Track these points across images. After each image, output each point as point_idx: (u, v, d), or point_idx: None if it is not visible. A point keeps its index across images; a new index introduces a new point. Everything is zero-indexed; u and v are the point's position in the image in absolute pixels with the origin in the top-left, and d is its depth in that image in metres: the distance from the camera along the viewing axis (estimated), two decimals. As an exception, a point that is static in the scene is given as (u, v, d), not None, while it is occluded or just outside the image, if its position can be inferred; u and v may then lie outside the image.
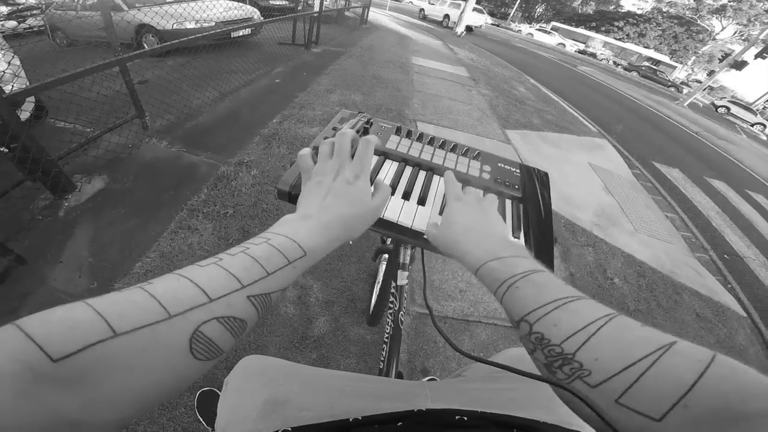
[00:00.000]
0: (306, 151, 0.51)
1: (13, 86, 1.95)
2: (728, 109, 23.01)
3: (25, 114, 2.39)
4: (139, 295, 0.25)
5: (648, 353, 0.26)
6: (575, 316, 0.32)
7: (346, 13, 10.26)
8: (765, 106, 35.04)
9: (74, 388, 0.20)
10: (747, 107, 23.35)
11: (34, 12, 5.50)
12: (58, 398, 0.19)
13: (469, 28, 17.52)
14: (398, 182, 0.72)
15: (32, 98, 2.50)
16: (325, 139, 0.72)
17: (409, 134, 0.84)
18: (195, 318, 0.26)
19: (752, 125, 21.86)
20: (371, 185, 0.50)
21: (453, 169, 0.76)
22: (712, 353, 0.24)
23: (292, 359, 1.59)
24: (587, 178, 4.14)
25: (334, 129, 0.77)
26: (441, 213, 0.68)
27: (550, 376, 0.32)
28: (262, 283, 0.32)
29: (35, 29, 5.40)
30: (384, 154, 0.78)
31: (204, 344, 0.26)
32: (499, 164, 0.81)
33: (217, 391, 1.37)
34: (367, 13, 11.15)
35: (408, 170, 0.76)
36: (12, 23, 5.13)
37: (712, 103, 24.46)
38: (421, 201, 0.69)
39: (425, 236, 0.58)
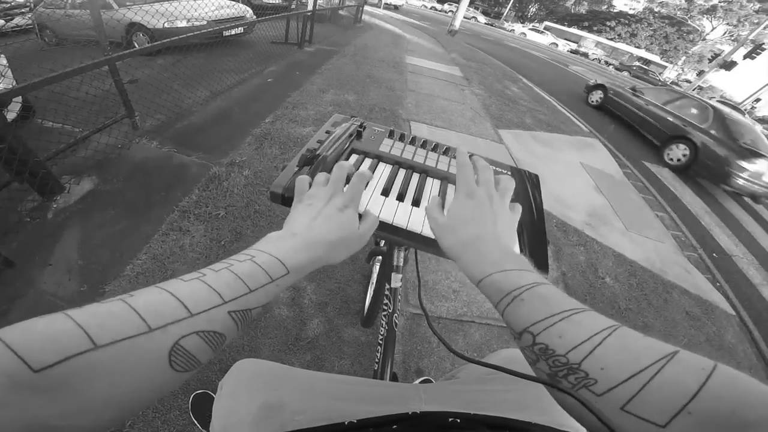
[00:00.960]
0: (305, 177, 0.54)
1: (-1, 86, 1.92)
2: (717, 108, 23.32)
3: (11, 114, 2.34)
4: (119, 307, 0.26)
5: (653, 362, 0.26)
6: (580, 327, 0.32)
7: (340, 12, 10.23)
8: (753, 106, 35.61)
9: (53, 397, 0.21)
10: (735, 107, 23.63)
11: (22, 10, 5.41)
12: (38, 406, 0.20)
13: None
14: (392, 184, 0.72)
15: (19, 98, 2.45)
16: (318, 142, 0.72)
17: (402, 138, 0.84)
18: (175, 332, 0.27)
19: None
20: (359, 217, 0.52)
21: (446, 171, 0.76)
22: (714, 363, 0.25)
23: (286, 361, 1.58)
24: (579, 178, 4.18)
25: (328, 132, 0.77)
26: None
27: (545, 378, 0.33)
28: (244, 299, 0.33)
29: (23, 28, 5.31)
30: (377, 157, 0.78)
31: (183, 357, 0.27)
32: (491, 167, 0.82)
33: (212, 393, 1.36)
34: (362, 12, 11.13)
35: (402, 172, 0.76)
36: (-1, 22, 5.04)
37: (702, 103, 24.77)
38: (416, 202, 0.69)
39: (425, 230, 0.58)
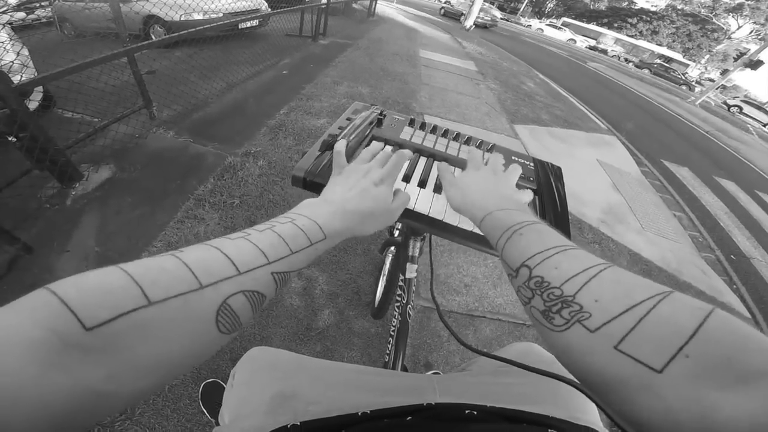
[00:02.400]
0: (342, 148, 0.55)
1: (21, 77, 1.95)
2: (741, 108, 22.63)
3: (33, 104, 2.40)
4: (172, 262, 0.25)
5: (648, 297, 0.25)
6: (576, 260, 0.32)
7: (354, 5, 10.19)
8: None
9: (102, 358, 0.19)
10: (760, 107, 22.95)
11: (43, 3, 5.50)
12: (85, 369, 0.19)
13: None
14: (413, 171, 0.71)
15: (40, 88, 2.50)
16: (339, 128, 0.71)
17: (422, 126, 0.84)
18: (224, 290, 0.26)
19: (765, 125, 21.51)
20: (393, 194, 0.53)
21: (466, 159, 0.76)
22: (712, 306, 0.23)
23: (297, 351, 1.58)
24: (595, 175, 4.10)
25: (348, 120, 0.77)
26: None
27: (554, 373, 0.32)
28: (286, 261, 0.33)
29: (44, 20, 5.41)
30: (398, 145, 0.78)
31: (229, 316, 0.26)
32: (513, 157, 0.81)
33: (222, 383, 1.37)
34: (375, 5, 11.07)
35: (422, 160, 0.75)
36: (21, 14, 5.14)
37: (725, 102, 24.06)
38: (438, 188, 0.69)
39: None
